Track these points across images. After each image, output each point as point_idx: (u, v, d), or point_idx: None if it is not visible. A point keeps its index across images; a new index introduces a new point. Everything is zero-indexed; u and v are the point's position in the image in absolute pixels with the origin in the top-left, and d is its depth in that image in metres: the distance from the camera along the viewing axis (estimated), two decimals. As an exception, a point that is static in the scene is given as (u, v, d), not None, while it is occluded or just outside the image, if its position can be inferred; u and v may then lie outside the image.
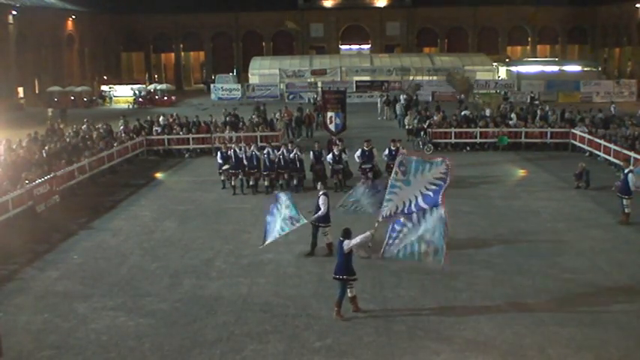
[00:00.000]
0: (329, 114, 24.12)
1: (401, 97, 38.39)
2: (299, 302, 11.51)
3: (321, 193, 13.89)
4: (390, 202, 11.03)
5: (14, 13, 47.57)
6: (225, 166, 20.10)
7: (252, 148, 20.29)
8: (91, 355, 9.77)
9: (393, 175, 11.27)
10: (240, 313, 11.09)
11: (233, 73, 59.95)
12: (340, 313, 10.78)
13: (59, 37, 55.72)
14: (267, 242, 13.28)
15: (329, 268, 12.98)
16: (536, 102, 37.93)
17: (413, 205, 10.75)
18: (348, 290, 10.83)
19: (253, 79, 53.79)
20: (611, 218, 16.46)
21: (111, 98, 52.32)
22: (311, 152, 20.43)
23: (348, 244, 10.67)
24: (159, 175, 23.63)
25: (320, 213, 13.60)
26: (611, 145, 22.77)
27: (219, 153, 20.64)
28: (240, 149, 20.08)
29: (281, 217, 13.05)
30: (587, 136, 25.28)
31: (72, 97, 50.41)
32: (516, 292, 11.82)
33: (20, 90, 49.81)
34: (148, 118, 30.08)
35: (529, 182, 21.08)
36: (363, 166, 19.70)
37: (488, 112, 30.44)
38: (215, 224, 16.71)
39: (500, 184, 20.84)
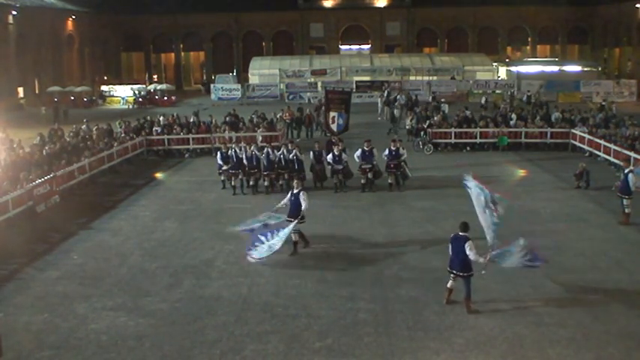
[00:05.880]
0: (331, 114, 24.00)
1: (398, 96, 38.28)
2: (299, 302, 11.51)
3: (298, 190, 14.07)
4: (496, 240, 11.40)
5: (14, 13, 47.55)
6: (225, 167, 20.10)
7: (252, 148, 20.30)
8: (91, 355, 9.77)
9: (492, 213, 11.38)
10: (240, 313, 11.09)
11: (233, 73, 59.90)
12: (470, 306, 10.93)
13: (59, 37, 55.72)
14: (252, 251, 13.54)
15: (329, 268, 13.10)
16: (543, 102, 37.57)
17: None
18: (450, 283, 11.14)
19: (253, 79, 53.76)
20: (611, 218, 16.46)
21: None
22: (311, 152, 20.44)
23: (471, 253, 10.78)
24: (159, 175, 23.62)
25: (303, 208, 13.73)
26: (611, 145, 22.76)
27: (219, 153, 20.62)
28: (240, 149, 20.09)
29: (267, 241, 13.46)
30: (587, 136, 25.27)
31: (72, 97, 50.39)
32: (516, 292, 11.82)
33: (20, 90, 49.82)
34: (148, 118, 30.07)
35: (529, 182, 21.07)
36: (363, 166, 19.72)
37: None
38: (215, 224, 16.69)
39: (500, 184, 20.75)
